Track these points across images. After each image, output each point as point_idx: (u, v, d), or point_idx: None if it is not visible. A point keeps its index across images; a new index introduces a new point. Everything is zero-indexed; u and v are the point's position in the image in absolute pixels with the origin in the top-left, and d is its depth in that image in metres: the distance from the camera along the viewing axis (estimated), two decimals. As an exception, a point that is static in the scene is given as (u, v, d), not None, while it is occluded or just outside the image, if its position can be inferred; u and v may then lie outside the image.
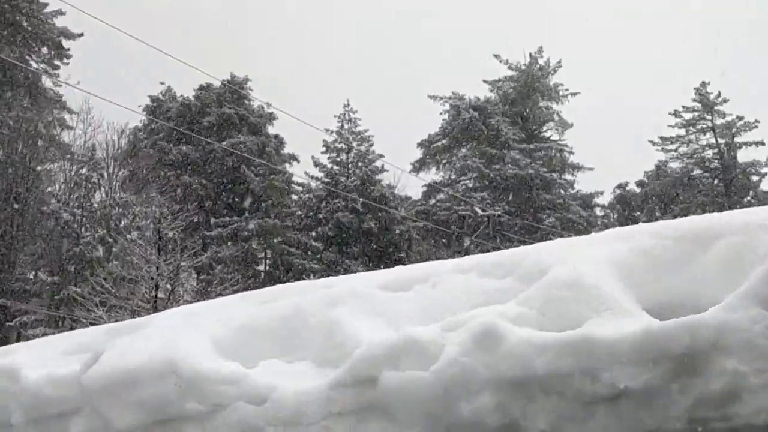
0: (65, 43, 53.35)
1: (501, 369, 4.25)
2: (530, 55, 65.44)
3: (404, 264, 46.39)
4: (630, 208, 63.11)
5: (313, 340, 5.01)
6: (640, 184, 63.68)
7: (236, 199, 53.75)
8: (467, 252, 49.17)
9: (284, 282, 49.51)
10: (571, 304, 4.41)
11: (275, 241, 51.50)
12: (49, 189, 51.30)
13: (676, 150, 63.81)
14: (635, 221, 47.19)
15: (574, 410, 4.07)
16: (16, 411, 5.32)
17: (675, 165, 63.46)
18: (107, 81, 62.34)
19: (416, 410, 4.40)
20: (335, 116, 57.40)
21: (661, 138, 63.66)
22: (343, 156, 57.08)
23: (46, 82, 53.35)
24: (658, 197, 61.98)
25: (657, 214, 57.89)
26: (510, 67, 65.57)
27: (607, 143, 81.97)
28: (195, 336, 5.20)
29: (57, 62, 53.61)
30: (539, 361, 4.19)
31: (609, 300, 4.33)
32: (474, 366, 4.28)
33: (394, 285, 5.29)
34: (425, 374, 4.37)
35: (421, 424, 4.40)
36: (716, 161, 62.23)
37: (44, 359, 5.74)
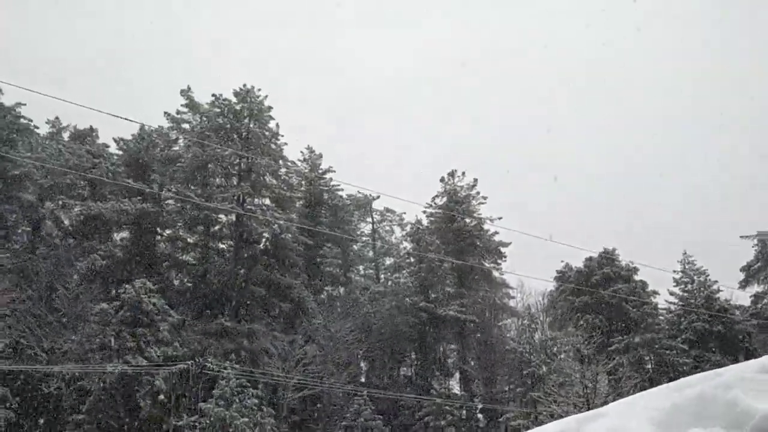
0: (502, 249, 54.68)
1: None
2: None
3: (750, 349, 40.95)
4: None
5: (718, 413, 4.59)
6: None
7: (621, 324, 50.59)
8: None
9: (667, 375, 45.91)
10: None
11: (656, 347, 47.82)
12: (508, 335, 51.70)
13: None
14: None
15: None
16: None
17: None
18: (528, 267, 63.05)
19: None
20: (678, 261, 53.87)
21: None
22: (689, 285, 52.56)
23: (495, 273, 54.85)
24: None
25: None
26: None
27: None
28: (637, 417, 4.98)
29: (499, 261, 55.07)
30: None
31: None
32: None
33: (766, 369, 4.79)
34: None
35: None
36: None
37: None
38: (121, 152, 48.62)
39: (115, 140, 48.44)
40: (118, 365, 34.42)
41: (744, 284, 56.77)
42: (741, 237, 57.36)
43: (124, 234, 46.49)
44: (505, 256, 54.84)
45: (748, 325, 49.05)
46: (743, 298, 56.22)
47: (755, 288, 56.27)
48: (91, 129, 50.38)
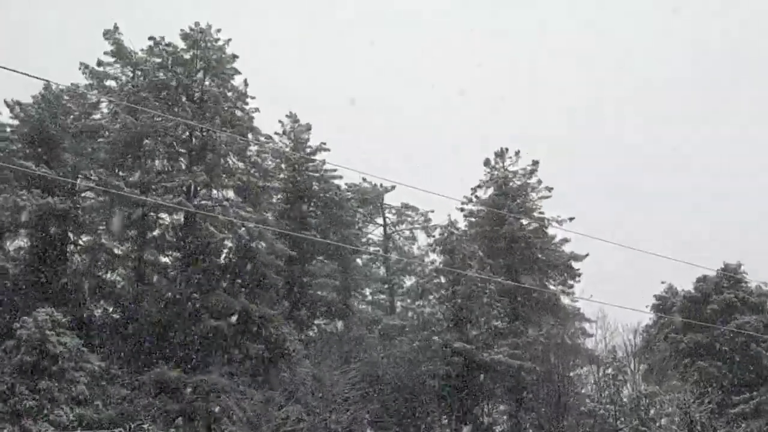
0: (575, 264, 54.33)
1: None
2: None
3: None
4: None
5: None
6: None
7: (752, 376, 50.70)
8: None
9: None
10: None
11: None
12: (583, 390, 51.38)
13: None
14: None
15: None
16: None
17: None
18: (612, 291, 62.45)
19: None
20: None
21: None
22: None
23: (564, 299, 54.70)
24: None
25: None
26: None
27: None
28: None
29: (570, 281, 54.89)
30: None
31: None
32: None
33: None
34: None
35: None
36: None
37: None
38: (17, 122, 47.01)
39: (7, 104, 46.56)
40: (12, 435, 34.56)
41: None
42: None
43: (22, 242, 45.42)
44: (580, 275, 54.30)
45: None
46: None
47: None
48: (-26, 89, 49.14)
